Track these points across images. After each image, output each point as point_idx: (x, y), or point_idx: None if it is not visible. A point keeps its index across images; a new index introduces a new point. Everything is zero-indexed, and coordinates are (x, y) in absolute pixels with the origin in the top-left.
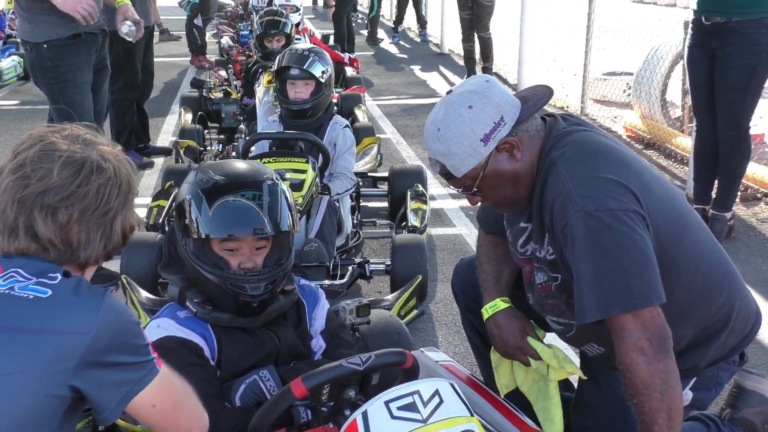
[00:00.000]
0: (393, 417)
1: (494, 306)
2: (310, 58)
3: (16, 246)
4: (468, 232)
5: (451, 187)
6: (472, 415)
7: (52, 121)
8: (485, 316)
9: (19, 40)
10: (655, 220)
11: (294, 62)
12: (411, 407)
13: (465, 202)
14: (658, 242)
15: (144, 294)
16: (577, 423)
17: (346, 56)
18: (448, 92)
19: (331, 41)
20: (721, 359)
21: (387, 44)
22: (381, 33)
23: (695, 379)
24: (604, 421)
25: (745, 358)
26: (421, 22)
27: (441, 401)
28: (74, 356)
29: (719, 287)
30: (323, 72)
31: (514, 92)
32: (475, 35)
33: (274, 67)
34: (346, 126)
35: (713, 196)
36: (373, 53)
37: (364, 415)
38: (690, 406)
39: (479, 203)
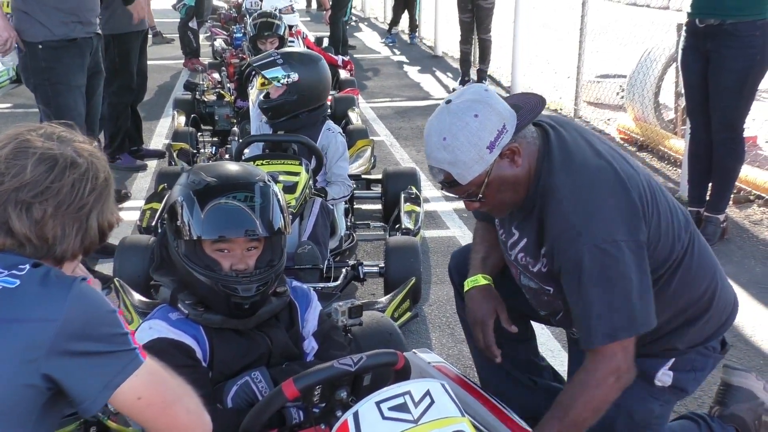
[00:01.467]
0: (384, 417)
1: (474, 281)
2: (273, 62)
3: None
4: (462, 234)
5: (451, 194)
6: (463, 416)
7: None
8: (465, 288)
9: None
10: (649, 226)
11: (256, 61)
12: (402, 408)
13: (459, 205)
14: (652, 241)
15: (137, 297)
16: None
17: (339, 59)
18: (447, 101)
19: (326, 43)
20: (698, 344)
21: (380, 46)
22: (373, 36)
23: (674, 359)
24: None
25: (727, 347)
26: (413, 25)
27: (432, 402)
28: (44, 344)
29: (700, 278)
30: (285, 76)
31: (505, 98)
32: (474, 38)
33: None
34: (339, 132)
35: (707, 198)
36: (366, 56)
37: (355, 415)
38: (672, 387)
39: (475, 209)
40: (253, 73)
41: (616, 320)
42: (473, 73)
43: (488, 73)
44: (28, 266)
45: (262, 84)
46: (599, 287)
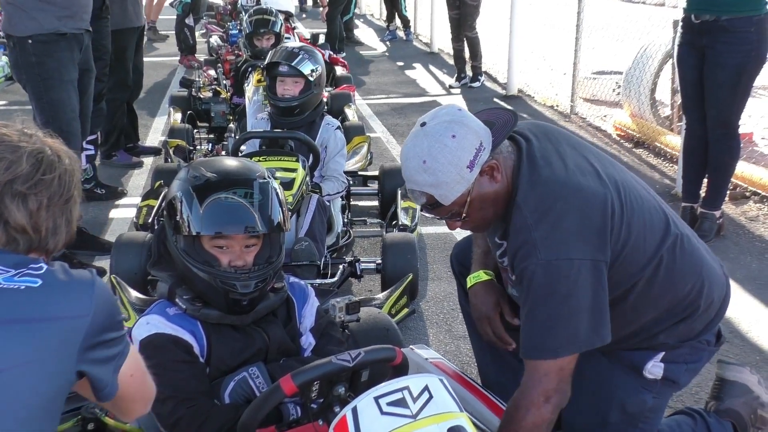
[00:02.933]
0: (383, 413)
1: (477, 276)
2: (300, 56)
3: None
4: (458, 231)
5: (432, 216)
6: (461, 411)
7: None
8: (468, 284)
9: (2, 34)
10: (617, 239)
11: (283, 59)
12: (400, 403)
13: None
14: (620, 254)
15: (134, 294)
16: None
17: (327, 53)
18: (422, 124)
19: (321, 40)
20: (689, 339)
21: (377, 43)
22: (369, 33)
23: (664, 353)
24: (587, 397)
25: (722, 340)
26: (405, 22)
27: (431, 397)
28: (77, 341)
29: (685, 277)
30: (312, 70)
31: (475, 114)
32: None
33: (264, 64)
34: (338, 127)
35: (702, 194)
36: (362, 52)
37: (354, 411)
38: (664, 379)
39: (457, 227)
40: (249, 69)
41: (557, 337)
42: (468, 70)
43: (484, 70)
44: (43, 264)
45: (259, 80)
46: (546, 302)
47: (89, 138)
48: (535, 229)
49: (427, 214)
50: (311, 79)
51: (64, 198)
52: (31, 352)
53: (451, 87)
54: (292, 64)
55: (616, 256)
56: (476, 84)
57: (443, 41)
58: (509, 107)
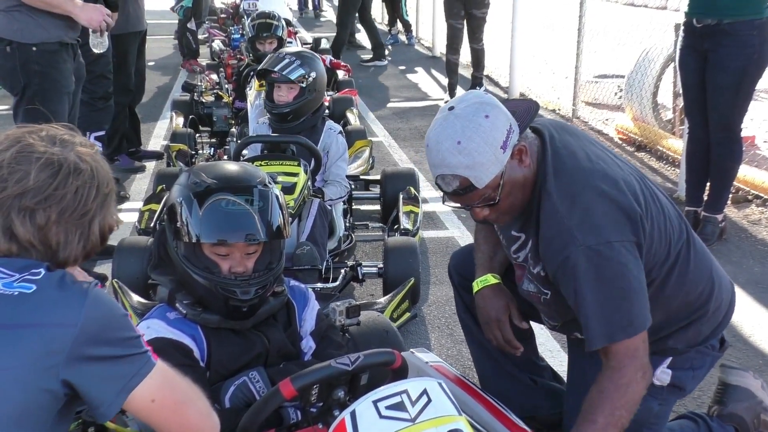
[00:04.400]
0: (381, 416)
1: (484, 281)
2: (289, 62)
3: None
4: (460, 235)
5: (459, 204)
6: (460, 414)
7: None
8: (475, 288)
9: None
10: (644, 228)
11: (272, 65)
12: (399, 406)
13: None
14: (645, 244)
15: (135, 298)
16: (569, 405)
17: (328, 58)
18: (450, 108)
19: (324, 44)
20: (696, 344)
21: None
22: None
23: (671, 358)
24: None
25: (726, 345)
26: (405, 25)
27: (429, 400)
28: (63, 349)
29: (696, 281)
30: (303, 76)
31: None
32: (462, 46)
33: (256, 71)
34: (340, 132)
35: (705, 198)
36: (364, 56)
37: (353, 414)
38: (671, 385)
39: (484, 216)
40: (252, 73)
41: (617, 320)
42: (462, 83)
43: (486, 74)
44: (43, 270)
45: (261, 85)
46: (597, 289)
47: (97, 134)
48: (569, 217)
49: (452, 204)
50: (302, 85)
51: (79, 212)
52: (9, 358)
53: (447, 102)
54: (281, 71)
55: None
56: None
57: (443, 45)
58: (529, 99)
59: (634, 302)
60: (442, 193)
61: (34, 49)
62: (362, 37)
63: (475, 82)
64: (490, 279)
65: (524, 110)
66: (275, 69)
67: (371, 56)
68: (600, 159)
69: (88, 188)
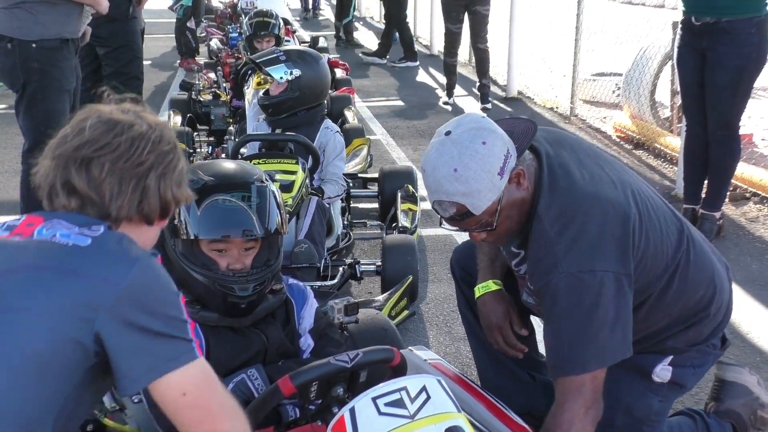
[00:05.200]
0: (380, 413)
1: (486, 287)
2: (276, 60)
3: (57, 204)
4: (458, 233)
5: (457, 228)
6: (459, 411)
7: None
8: (477, 294)
9: None
10: (638, 249)
11: (258, 58)
12: (398, 403)
13: None
14: (639, 263)
15: None
16: None
17: (325, 57)
18: (447, 133)
19: (322, 43)
20: (698, 344)
21: (376, 45)
22: (369, 35)
23: (672, 357)
24: None
25: (727, 343)
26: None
27: (428, 397)
28: (103, 305)
29: (697, 284)
30: (285, 73)
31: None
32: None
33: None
34: (337, 131)
35: (702, 195)
36: (362, 54)
37: (352, 411)
38: (671, 382)
39: (482, 239)
40: (249, 72)
41: (586, 350)
42: (460, 88)
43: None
44: (103, 228)
45: (259, 83)
46: (572, 316)
47: None
48: (558, 242)
49: (450, 228)
50: (281, 81)
51: (134, 162)
52: (46, 300)
53: (446, 104)
54: (266, 67)
55: (635, 266)
56: (488, 105)
57: (442, 44)
58: (527, 118)
59: (600, 337)
60: (439, 216)
61: (33, 45)
62: (359, 35)
63: (483, 92)
64: (491, 285)
65: (522, 131)
66: (257, 61)
67: (403, 56)
68: (595, 177)
69: (144, 141)
